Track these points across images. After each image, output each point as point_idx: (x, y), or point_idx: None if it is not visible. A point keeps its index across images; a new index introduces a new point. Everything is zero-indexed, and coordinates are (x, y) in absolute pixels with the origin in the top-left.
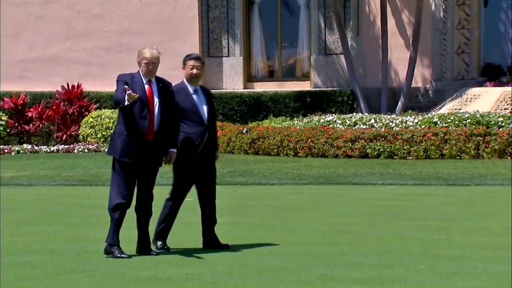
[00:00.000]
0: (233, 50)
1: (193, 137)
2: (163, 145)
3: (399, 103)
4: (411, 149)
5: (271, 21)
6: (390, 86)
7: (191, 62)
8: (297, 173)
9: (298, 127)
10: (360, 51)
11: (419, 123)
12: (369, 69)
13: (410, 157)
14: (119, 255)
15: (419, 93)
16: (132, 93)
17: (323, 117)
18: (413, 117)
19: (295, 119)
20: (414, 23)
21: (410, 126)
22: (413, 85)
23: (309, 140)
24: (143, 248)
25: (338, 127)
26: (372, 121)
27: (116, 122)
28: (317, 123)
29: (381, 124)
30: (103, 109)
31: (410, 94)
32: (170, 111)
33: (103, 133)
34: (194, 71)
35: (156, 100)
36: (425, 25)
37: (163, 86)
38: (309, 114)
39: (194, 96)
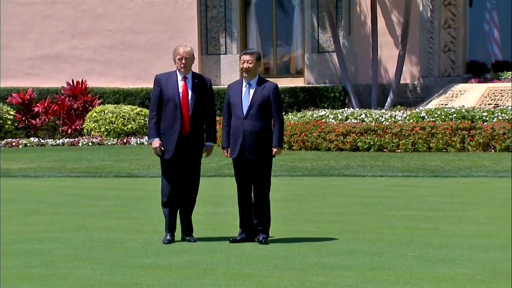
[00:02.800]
0: (230, 48)
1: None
2: (202, 138)
3: (389, 99)
4: (400, 142)
5: (266, 20)
6: (380, 83)
7: (242, 57)
8: (291, 165)
9: (292, 122)
10: (352, 49)
11: (407, 117)
12: (360, 66)
13: (399, 150)
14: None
15: (408, 89)
16: (157, 150)
17: (316, 112)
18: (401, 112)
19: (289, 114)
20: (403, 23)
21: (399, 120)
22: (402, 81)
23: (303, 134)
24: (186, 234)
25: (331, 122)
26: (363, 116)
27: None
28: (310, 118)
29: (371, 118)
30: (106, 104)
31: (399, 90)
32: (206, 106)
33: (107, 127)
34: (245, 65)
35: (190, 95)
36: (413, 25)
37: (199, 82)
38: (302, 109)
39: (244, 90)
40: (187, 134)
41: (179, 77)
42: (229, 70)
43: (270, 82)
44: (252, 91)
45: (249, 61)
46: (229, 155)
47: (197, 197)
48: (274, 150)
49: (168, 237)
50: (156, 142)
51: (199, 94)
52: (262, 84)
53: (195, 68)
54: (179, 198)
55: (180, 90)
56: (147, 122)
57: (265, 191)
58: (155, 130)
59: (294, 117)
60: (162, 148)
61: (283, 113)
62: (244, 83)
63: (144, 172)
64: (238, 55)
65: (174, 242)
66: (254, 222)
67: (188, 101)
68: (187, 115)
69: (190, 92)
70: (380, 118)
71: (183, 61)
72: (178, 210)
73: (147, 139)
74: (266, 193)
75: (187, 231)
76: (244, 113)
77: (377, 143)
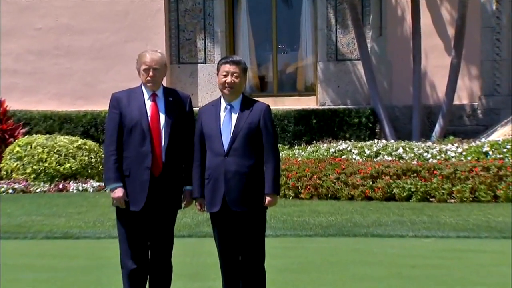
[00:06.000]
0: (212, 54)
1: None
2: (179, 180)
3: (437, 127)
4: (454, 189)
5: (263, 15)
6: (425, 104)
7: (222, 67)
8: (298, 221)
9: (300, 159)
10: (384, 56)
11: (464, 153)
12: (396, 80)
13: (452, 200)
14: None
15: (464, 113)
16: (120, 201)
17: (334, 145)
18: (455, 145)
19: (295, 147)
20: (456, 19)
21: (452, 157)
22: (456, 102)
23: (315, 176)
24: None
25: (355, 159)
26: (400, 150)
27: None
28: (325, 153)
29: (412, 154)
30: (34, 135)
31: (451, 115)
32: (184, 135)
33: (34, 167)
34: (228, 79)
35: (163, 120)
36: (472, 22)
37: (175, 100)
38: (314, 141)
39: (223, 115)
40: (160, 174)
41: (146, 95)
42: (210, 85)
43: (259, 102)
44: (235, 116)
45: (235, 74)
46: (203, 209)
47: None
48: (267, 198)
49: None
50: (120, 191)
51: (176, 117)
52: (249, 106)
53: (163, 82)
54: (148, 268)
55: (149, 113)
56: (93, 160)
57: (258, 258)
58: (115, 172)
59: (303, 152)
60: (126, 199)
61: (286, 146)
62: (223, 105)
63: (88, 232)
64: None
65: None
66: None
67: (160, 127)
68: (160, 147)
69: (162, 116)
70: (425, 153)
71: (151, 73)
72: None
73: (103, 184)
74: (259, 261)
75: None
76: (225, 147)
77: (421, 190)
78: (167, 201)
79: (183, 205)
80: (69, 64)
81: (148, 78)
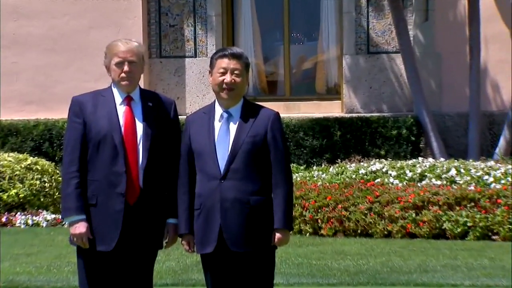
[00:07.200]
0: (204, 45)
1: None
2: (160, 210)
3: (501, 141)
4: None
5: None
6: (485, 110)
7: (218, 62)
8: (318, 265)
9: (320, 183)
10: (431, 47)
11: None
12: (447, 79)
13: None
14: None
15: None
16: (83, 239)
17: (365, 164)
18: None
19: (314, 168)
20: None
21: None
22: None
23: (340, 205)
24: None
25: (392, 184)
26: (453, 172)
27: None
28: (354, 175)
29: (469, 177)
30: None
31: None
32: (167, 150)
33: None
34: (228, 78)
35: (140, 131)
36: None
37: (155, 105)
38: (339, 160)
39: (219, 126)
40: (136, 203)
41: (119, 99)
42: (201, 86)
43: (266, 108)
44: (234, 126)
45: (235, 71)
46: (192, 249)
47: None
48: (277, 235)
49: None
50: (82, 226)
51: (157, 127)
52: (253, 114)
53: (140, 82)
54: None
55: (122, 122)
56: (47, 185)
57: None
58: (77, 201)
59: (324, 175)
60: (90, 236)
61: (301, 167)
62: (219, 113)
63: (40, 279)
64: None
65: None
66: None
67: (137, 141)
68: (136, 167)
69: (140, 125)
70: (486, 176)
71: (126, 67)
72: None
73: (60, 216)
74: None
75: None
76: (221, 168)
77: (480, 224)
78: (145, 238)
79: (165, 243)
80: (15, 58)
81: (123, 74)
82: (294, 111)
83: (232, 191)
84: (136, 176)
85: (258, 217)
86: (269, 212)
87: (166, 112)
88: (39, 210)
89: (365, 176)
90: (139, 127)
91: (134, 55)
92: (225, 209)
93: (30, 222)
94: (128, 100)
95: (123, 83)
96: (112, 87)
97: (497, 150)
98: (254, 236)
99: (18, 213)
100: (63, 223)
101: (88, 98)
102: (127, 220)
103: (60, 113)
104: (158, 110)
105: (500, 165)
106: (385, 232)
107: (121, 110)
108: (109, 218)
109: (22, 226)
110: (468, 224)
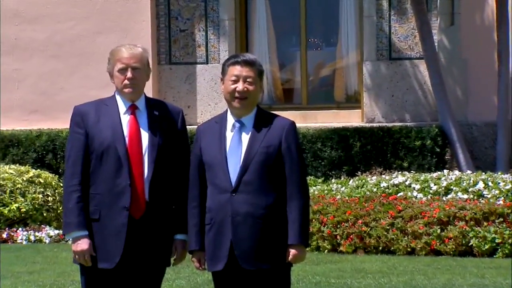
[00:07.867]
0: (216, 51)
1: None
2: (168, 227)
3: None
4: None
5: None
6: None
7: (230, 70)
8: (337, 283)
9: (339, 197)
10: (457, 53)
11: None
12: (474, 87)
13: None
14: None
15: None
16: (85, 256)
17: (387, 177)
18: None
19: (333, 180)
20: None
21: None
22: None
23: (361, 221)
24: None
25: (416, 197)
26: (481, 185)
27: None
28: (375, 189)
29: (497, 191)
30: None
31: None
32: (175, 163)
33: None
34: (240, 86)
35: (145, 141)
36: None
37: (162, 115)
38: (359, 172)
39: (231, 136)
40: (142, 217)
41: (123, 107)
42: (213, 94)
43: (280, 117)
44: (247, 137)
45: (248, 79)
46: (203, 266)
47: None
48: (292, 252)
49: None
50: (84, 242)
51: (164, 138)
52: (266, 123)
53: (146, 89)
54: None
55: (126, 132)
56: (51, 199)
57: None
58: (79, 215)
59: (343, 188)
60: (93, 253)
61: (319, 179)
62: (231, 122)
63: None
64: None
65: None
66: None
67: (142, 152)
68: (141, 180)
69: (145, 135)
70: None
71: (130, 73)
72: None
73: (61, 232)
74: None
75: None
76: (233, 180)
77: (510, 241)
78: (151, 255)
79: (173, 260)
80: (17, 65)
81: (126, 81)
82: (311, 121)
83: (244, 204)
84: (142, 189)
85: (272, 233)
86: (283, 227)
87: (173, 122)
88: (42, 225)
89: (386, 190)
90: (145, 137)
91: (138, 61)
92: (236, 224)
93: (32, 238)
94: (132, 109)
95: (126, 90)
96: (116, 96)
97: None
98: (267, 252)
99: (20, 228)
100: (67, 239)
101: (90, 107)
102: (131, 236)
103: (64, 123)
104: (164, 120)
105: None
106: (408, 249)
107: (125, 119)
108: (112, 233)
109: (24, 243)
110: (497, 241)
